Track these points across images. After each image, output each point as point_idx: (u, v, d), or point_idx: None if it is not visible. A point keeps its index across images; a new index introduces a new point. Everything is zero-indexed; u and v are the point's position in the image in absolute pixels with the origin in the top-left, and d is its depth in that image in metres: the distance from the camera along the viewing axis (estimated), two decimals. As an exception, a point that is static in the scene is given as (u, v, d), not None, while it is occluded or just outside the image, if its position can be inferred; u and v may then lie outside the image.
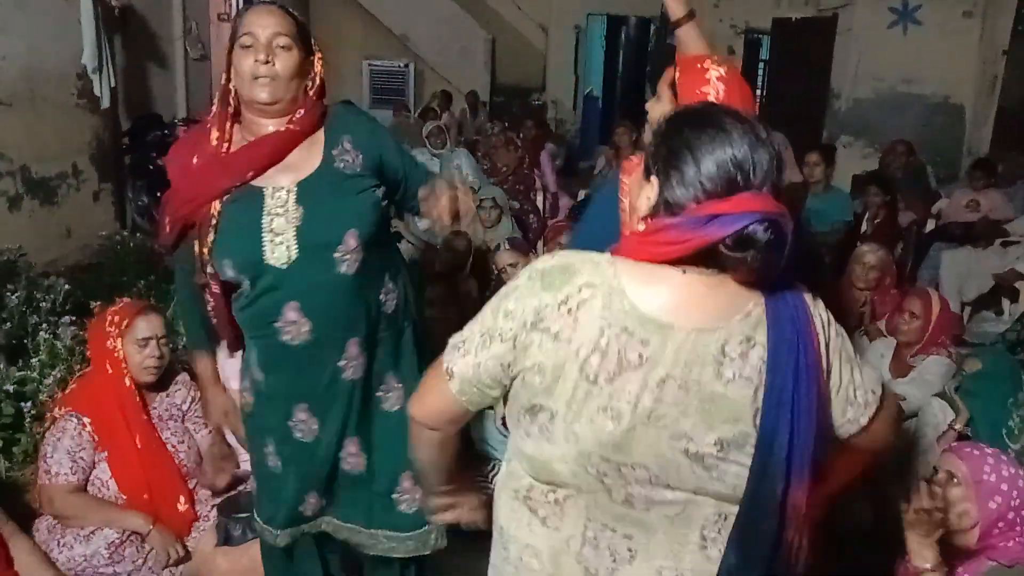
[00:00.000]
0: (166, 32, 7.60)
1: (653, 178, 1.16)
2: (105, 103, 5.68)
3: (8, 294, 4.21)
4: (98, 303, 3.59)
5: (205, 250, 1.84)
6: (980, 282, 5.39)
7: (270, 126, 1.84)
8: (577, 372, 1.13)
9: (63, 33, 5.40)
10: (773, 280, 1.15)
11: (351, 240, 1.81)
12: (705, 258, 1.10)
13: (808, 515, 1.17)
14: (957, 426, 2.92)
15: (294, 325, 1.83)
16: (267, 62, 1.77)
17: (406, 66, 12.06)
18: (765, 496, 1.14)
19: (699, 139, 1.11)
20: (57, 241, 5.56)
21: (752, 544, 1.17)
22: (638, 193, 1.19)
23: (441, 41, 11.91)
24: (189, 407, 2.77)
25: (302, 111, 1.84)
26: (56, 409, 2.60)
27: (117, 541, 2.47)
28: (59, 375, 3.34)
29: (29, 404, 3.19)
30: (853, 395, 1.25)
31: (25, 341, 3.79)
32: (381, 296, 1.94)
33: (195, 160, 1.87)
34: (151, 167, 6.88)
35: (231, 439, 2.94)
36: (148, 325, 2.62)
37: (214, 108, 1.89)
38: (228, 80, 1.84)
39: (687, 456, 1.13)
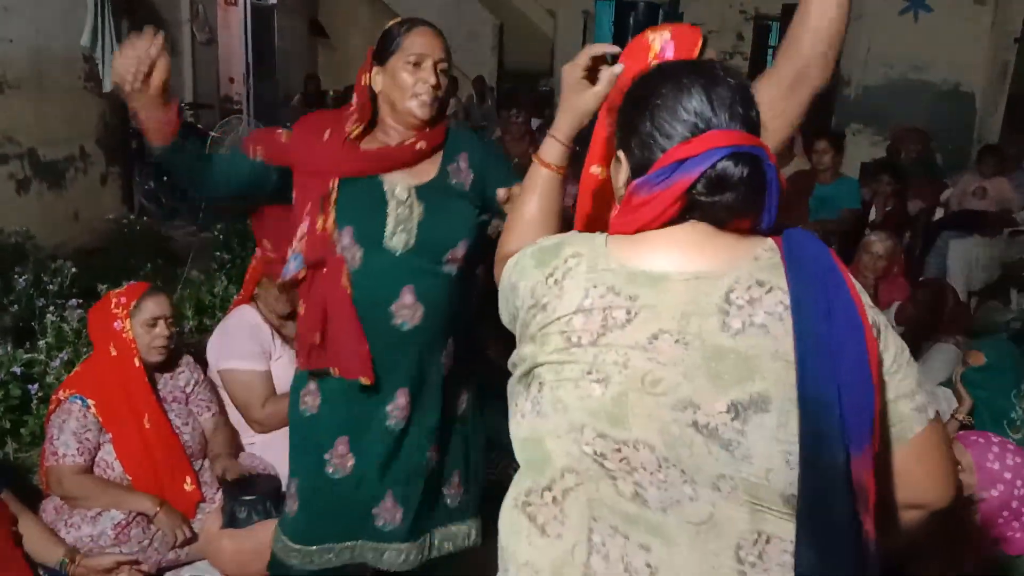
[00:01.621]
0: (173, 16, 7.59)
1: (620, 154, 1.10)
2: (107, 86, 5.67)
3: (16, 277, 4.24)
4: (105, 286, 3.62)
5: (328, 223, 1.88)
6: (988, 272, 5.38)
7: (401, 134, 1.93)
8: (558, 335, 1.04)
9: (70, 15, 5.40)
10: (777, 226, 1.05)
11: (461, 248, 1.91)
12: (695, 215, 1.03)
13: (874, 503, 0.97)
14: (959, 416, 2.92)
15: (408, 309, 1.88)
16: (436, 85, 1.89)
17: (413, 51, 12.02)
18: (828, 467, 0.93)
19: (649, 97, 1.04)
20: (64, 224, 5.58)
21: (828, 531, 0.95)
22: (616, 177, 1.12)
23: (448, 26, 11.72)
24: (193, 389, 2.79)
25: (430, 129, 1.94)
26: (60, 392, 2.61)
27: (123, 522, 2.49)
28: (66, 357, 3.37)
29: (36, 386, 3.22)
30: (916, 386, 1.05)
31: (32, 323, 3.82)
32: (474, 303, 2.02)
33: (326, 136, 1.94)
34: (158, 151, 6.88)
35: (235, 422, 2.95)
36: (156, 305, 2.64)
37: (354, 104, 1.97)
38: (368, 86, 1.92)
39: (698, 430, 0.96)
